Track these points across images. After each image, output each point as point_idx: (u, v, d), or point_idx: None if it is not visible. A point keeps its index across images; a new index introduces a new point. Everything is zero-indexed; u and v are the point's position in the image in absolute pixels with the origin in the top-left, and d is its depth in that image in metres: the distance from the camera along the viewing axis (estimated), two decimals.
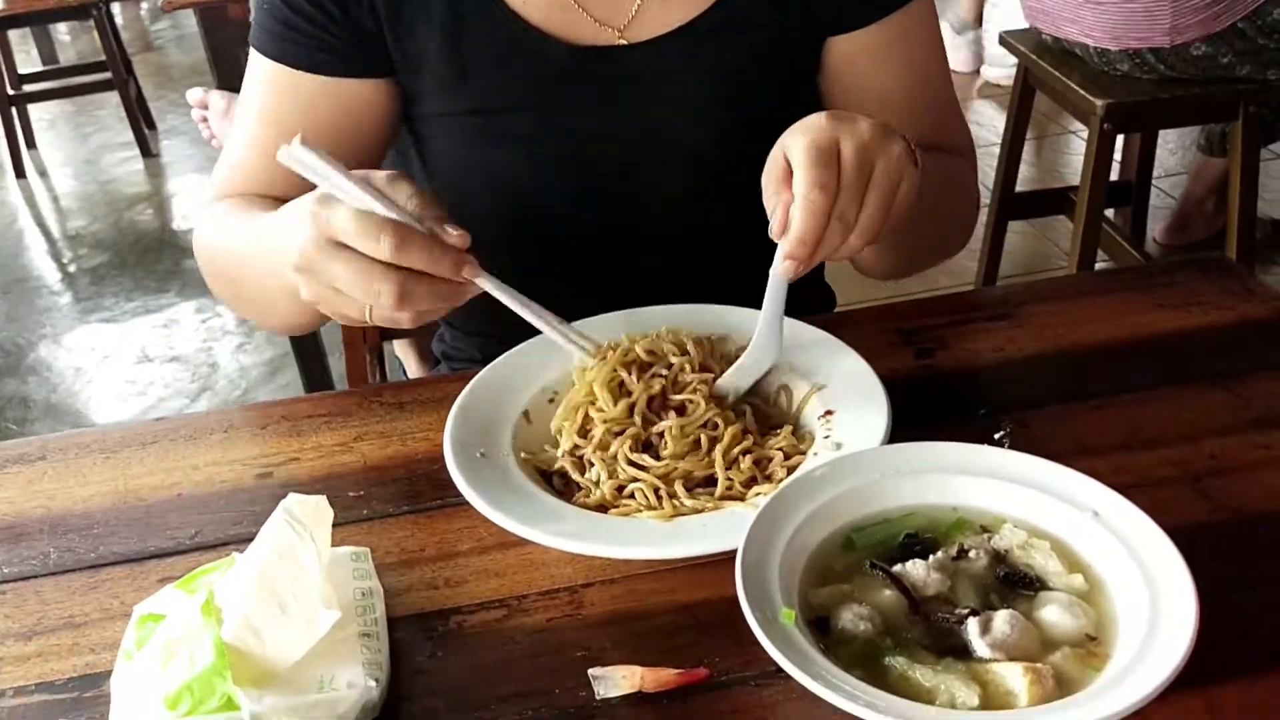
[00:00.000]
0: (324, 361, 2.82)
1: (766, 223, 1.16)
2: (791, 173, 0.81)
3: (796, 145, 0.80)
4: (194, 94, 2.41)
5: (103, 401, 3.07)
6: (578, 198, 1.09)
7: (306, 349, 2.78)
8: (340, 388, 2.82)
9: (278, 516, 0.71)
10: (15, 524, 0.88)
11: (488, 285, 0.84)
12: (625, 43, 1.03)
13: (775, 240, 0.82)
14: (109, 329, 3.42)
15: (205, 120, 2.42)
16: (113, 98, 4.74)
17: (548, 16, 1.02)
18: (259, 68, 1.05)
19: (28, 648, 0.77)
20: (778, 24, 1.04)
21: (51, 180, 4.66)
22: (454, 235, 0.80)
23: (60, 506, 0.90)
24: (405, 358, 2.80)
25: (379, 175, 0.81)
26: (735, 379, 0.91)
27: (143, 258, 3.83)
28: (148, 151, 4.66)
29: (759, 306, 1.02)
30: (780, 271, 0.83)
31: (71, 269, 3.86)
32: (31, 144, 4.88)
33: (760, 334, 0.90)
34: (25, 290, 3.72)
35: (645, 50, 1.03)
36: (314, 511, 0.73)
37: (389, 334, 2.47)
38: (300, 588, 0.69)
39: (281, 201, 0.95)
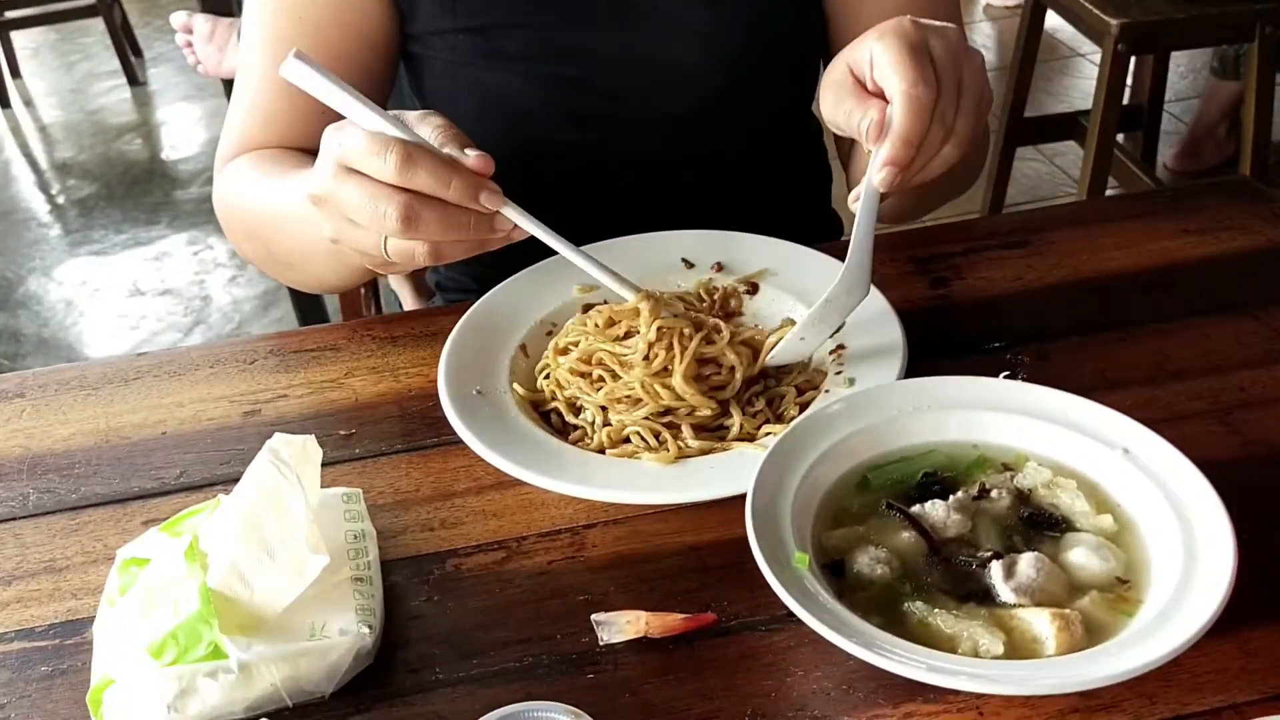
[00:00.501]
0: (318, 295, 2.77)
1: (769, 145, 1.12)
2: (865, 89, 0.74)
3: (885, 47, 0.72)
4: (177, 18, 2.33)
5: (95, 336, 3.03)
6: (576, 120, 1.04)
7: None
8: (335, 321, 2.79)
9: (263, 458, 0.68)
10: None
11: (514, 215, 0.77)
12: None
13: (869, 147, 0.74)
14: (99, 262, 3.37)
15: (190, 45, 2.35)
16: (98, 24, 4.63)
17: None
18: (259, 3, 0.99)
19: (6, 593, 0.74)
20: None
21: (37, 110, 4.57)
22: (472, 157, 0.74)
23: (39, 445, 0.86)
24: (401, 291, 2.75)
25: (409, 114, 0.77)
26: (823, 318, 0.81)
27: (131, 189, 3.76)
28: (135, 80, 4.56)
29: (762, 231, 0.98)
30: (877, 182, 0.74)
31: (60, 201, 3.79)
32: (16, 73, 4.78)
33: (851, 265, 0.79)
34: (13, 223, 3.66)
35: None
36: (302, 451, 0.69)
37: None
38: (288, 532, 0.66)
39: (308, 152, 0.92)
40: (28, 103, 4.62)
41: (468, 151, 0.74)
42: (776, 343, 0.83)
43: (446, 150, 0.74)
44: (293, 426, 0.85)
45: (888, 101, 0.72)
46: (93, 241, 3.47)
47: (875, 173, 0.73)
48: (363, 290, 2.30)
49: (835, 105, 0.76)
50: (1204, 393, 0.80)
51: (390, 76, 1.04)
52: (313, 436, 0.71)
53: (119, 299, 3.17)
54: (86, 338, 3.03)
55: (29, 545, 0.77)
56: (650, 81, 1.02)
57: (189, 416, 0.88)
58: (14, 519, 0.80)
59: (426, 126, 0.75)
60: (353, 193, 0.73)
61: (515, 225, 0.77)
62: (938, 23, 0.74)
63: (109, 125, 4.28)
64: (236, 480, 0.77)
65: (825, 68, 0.82)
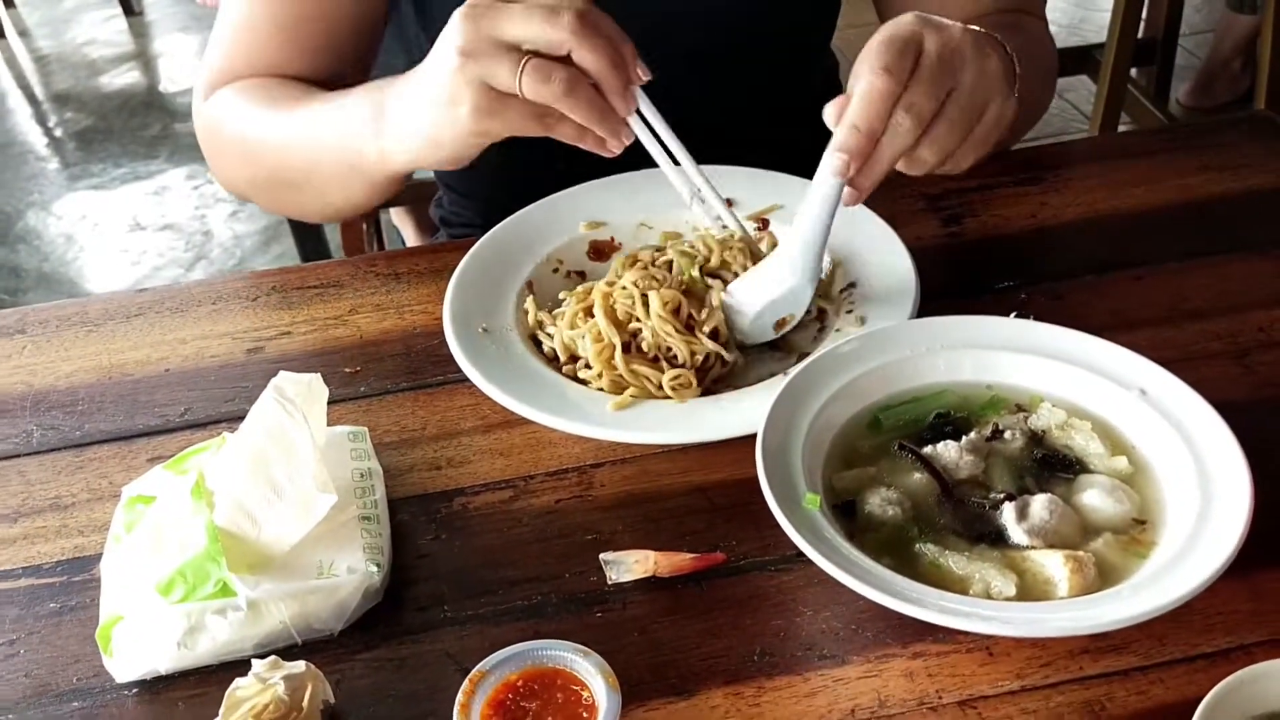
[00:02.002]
0: (319, 230, 2.75)
1: (786, 81, 1.10)
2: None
3: (873, 38, 0.69)
4: None
5: (96, 270, 3.01)
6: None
7: None
8: (338, 257, 2.77)
9: (267, 396, 0.67)
10: None
11: (638, 125, 0.79)
12: None
13: (831, 128, 0.71)
14: (99, 196, 3.33)
15: None
16: None
17: None
18: None
19: (13, 530, 0.73)
20: None
21: (32, 40, 4.50)
22: (629, 48, 0.75)
23: (42, 382, 0.85)
24: (403, 226, 2.73)
25: None
26: (753, 294, 0.79)
27: (129, 121, 3.71)
28: (130, 9, 4.48)
29: (774, 167, 0.96)
30: (828, 169, 0.71)
31: (57, 134, 3.74)
32: (9, 3, 4.70)
33: (788, 256, 0.77)
34: (10, 156, 3.62)
35: None
36: (307, 390, 0.68)
37: (386, 202, 2.40)
38: (294, 470, 0.65)
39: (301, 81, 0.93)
40: (22, 33, 4.55)
41: (639, 61, 0.76)
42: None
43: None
44: (296, 364, 0.84)
45: None
46: (91, 175, 3.44)
47: (826, 160, 0.71)
48: (364, 226, 2.28)
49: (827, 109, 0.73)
50: (1221, 333, 0.79)
51: (382, 15, 1.01)
52: (318, 375, 0.71)
53: (119, 234, 3.14)
54: (87, 273, 3.01)
55: (34, 483, 0.77)
56: (669, 19, 0.99)
57: (192, 353, 0.87)
58: (18, 455, 0.79)
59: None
60: (519, 8, 0.73)
61: (626, 122, 0.78)
62: (947, 21, 0.71)
63: (105, 56, 4.22)
64: (241, 418, 0.77)
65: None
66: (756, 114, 1.07)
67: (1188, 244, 0.89)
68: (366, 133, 0.85)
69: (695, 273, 0.83)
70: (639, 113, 0.80)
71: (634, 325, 0.78)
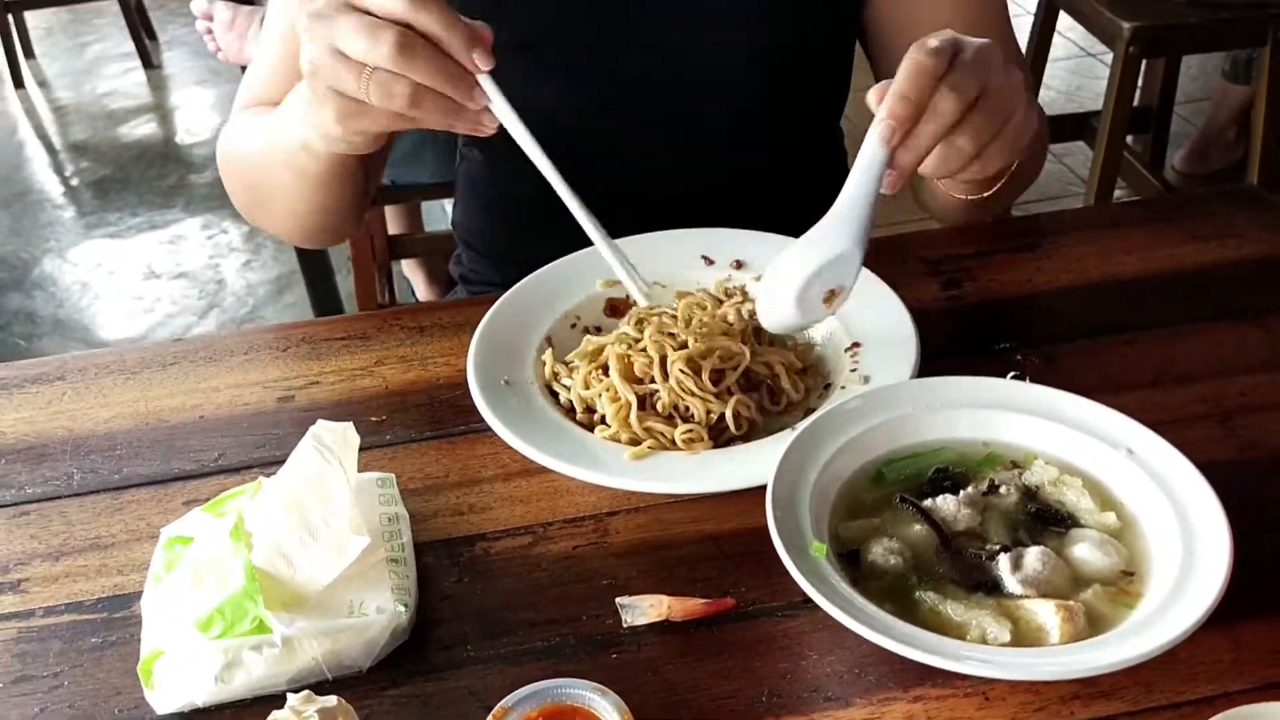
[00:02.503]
0: (331, 280, 2.81)
1: (795, 152, 1.15)
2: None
3: (915, 44, 0.73)
4: (198, 5, 2.36)
5: (110, 317, 3.06)
6: (611, 130, 1.07)
7: (314, 267, 2.76)
8: (349, 307, 2.82)
9: (307, 443, 0.71)
10: (37, 444, 0.88)
11: (491, 90, 0.78)
12: None
13: (874, 109, 0.73)
14: (114, 244, 3.40)
15: (210, 32, 2.38)
16: (111, 6, 4.65)
17: None
18: None
19: (55, 568, 0.77)
20: None
21: (51, 90, 4.59)
22: (478, 23, 0.76)
23: (82, 427, 0.89)
24: (414, 278, 2.79)
25: None
26: (797, 264, 0.77)
27: (146, 172, 3.79)
28: (149, 63, 4.58)
29: (781, 232, 1.00)
30: (876, 138, 0.72)
31: (75, 183, 3.82)
32: (29, 53, 4.80)
33: (834, 213, 0.76)
34: (28, 204, 3.69)
35: None
36: (342, 438, 0.72)
37: (398, 253, 2.47)
38: (329, 514, 0.69)
39: None
40: (41, 83, 4.65)
41: (478, 22, 0.76)
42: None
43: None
44: (325, 412, 0.88)
45: None
46: (108, 224, 3.50)
47: (874, 128, 0.73)
48: (376, 276, 2.33)
49: (869, 97, 0.75)
50: (1206, 396, 0.83)
51: None
52: (351, 424, 0.75)
53: (134, 281, 3.20)
54: (101, 320, 3.06)
55: (75, 523, 0.81)
56: (689, 93, 1.04)
57: (225, 401, 0.91)
58: (60, 497, 0.83)
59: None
60: (353, 20, 0.74)
61: (487, 108, 0.79)
62: (978, 39, 0.76)
63: (123, 108, 4.31)
64: (272, 463, 0.81)
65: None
66: (763, 182, 1.12)
67: (1176, 311, 0.93)
68: (293, 121, 0.86)
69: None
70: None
71: (650, 386, 0.82)
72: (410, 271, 2.76)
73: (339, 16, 0.74)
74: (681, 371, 0.82)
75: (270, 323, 2.97)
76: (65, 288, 3.21)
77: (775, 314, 0.80)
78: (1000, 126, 0.75)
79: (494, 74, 1.03)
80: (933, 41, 0.73)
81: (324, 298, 2.84)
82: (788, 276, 0.77)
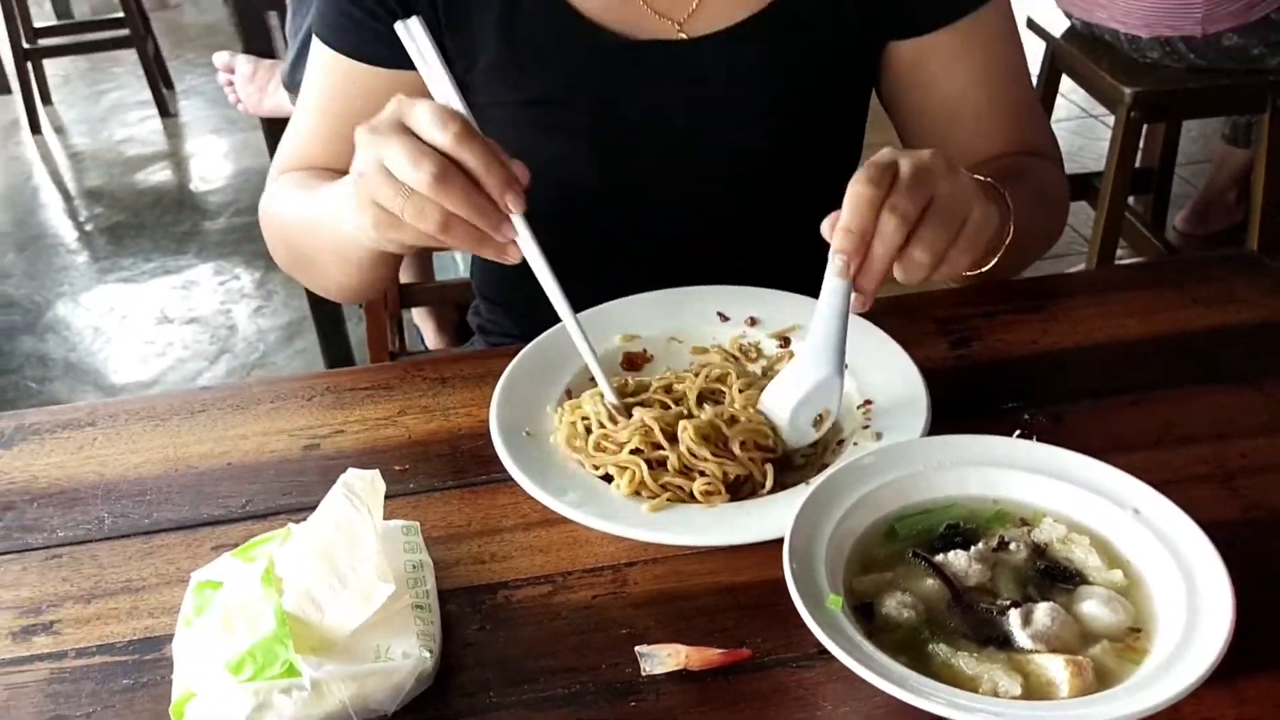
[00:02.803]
0: (342, 327, 2.84)
1: (805, 211, 1.18)
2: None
3: (859, 170, 0.79)
4: (220, 58, 2.41)
5: (122, 361, 3.09)
6: (626, 186, 1.10)
7: (325, 314, 2.80)
8: (359, 354, 2.85)
9: (337, 490, 0.73)
10: (69, 488, 0.90)
11: (521, 227, 0.82)
12: (684, 36, 1.04)
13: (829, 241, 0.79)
14: (127, 289, 3.44)
15: (231, 84, 2.43)
16: (129, 55, 4.73)
17: (606, 9, 1.03)
18: (320, 57, 1.07)
19: (87, 610, 0.79)
20: (834, 27, 1.05)
21: (68, 137, 4.66)
22: (517, 165, 0.80)
23: (113, 472, 0.92)
24: (424, 326, 2.82)
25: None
26: (782, 395, 0.86)
27: (161, 218, 3.84)
28: (166, 111, 4.66)
29: (791, 288, 1.03)
30: (832, 270, 0.79)
31: (89, 228, 3.87)
32: (47, 100, 4.88)
33: (811, 348, 0.84)
34: (42, 248, 3.74)
35: (702, 45, 1.03)
36: (370, 485, 0.75)
37: (409, 302, 2.50)
38: (358, 560, 0.71)
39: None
40: (58, 130, 4.72)
41: (515, 160, 0.81)
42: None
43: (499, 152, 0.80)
44: (350, 461, 0.90)
45: None
46: (121, 269, 3.55)
47: (830, 264, 0.80)
48: (388, 323, 2.36)
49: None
50: (1208, 457, 0.86)
51: None
52: (378, 472, 0.77)
53: (146, 326, 3.23)
54: (113, 364, 3.09)
55: (106, 566, 0.83)
56: (705, 151, 1.08)
57: (252, 448, 0.94)
58: (91, 541, 0.85)
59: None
60: (402, 142, 0.78)
61: (514, 240, 0.82)
62: (919, 151, 0.80)
63: (138, 155, 4.37)
64: (298, 510, 0.83)
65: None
66: (774, 239, 1.15)
67: (1178, 373, 0.96)
68: (345, 212, 0.89)
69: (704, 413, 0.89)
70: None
71: (660, 454, 0.85)
72: (420, 319, 2.80)
73: (391, 136, 0.79)
74: (691, 447, 0.84)
75: (281, 368, 3.00)
76: (78, 331, 3.25)
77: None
78: (954, 232, 0.79)
79: (514, 126, 1.08)
80: (870, 170, 0.78)
81: (334, 345, 2.87)
82: (779, 407, 0.86)
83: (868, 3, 1.04)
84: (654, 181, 1.10)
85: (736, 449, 0.85)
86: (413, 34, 0.83)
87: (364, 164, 0.81)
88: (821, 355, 0.83)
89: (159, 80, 4.66)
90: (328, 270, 1.06)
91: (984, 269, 0.93)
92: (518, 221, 0.82)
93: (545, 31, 1.03)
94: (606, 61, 1.04)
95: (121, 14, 4.52)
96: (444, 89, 0.83)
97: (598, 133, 1.07)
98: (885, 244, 0.77)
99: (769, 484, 0.84)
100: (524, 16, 1.02)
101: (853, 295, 0.81)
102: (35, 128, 4.63)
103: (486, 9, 1.02)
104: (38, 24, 4.97)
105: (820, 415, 0.86)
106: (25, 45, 4.58)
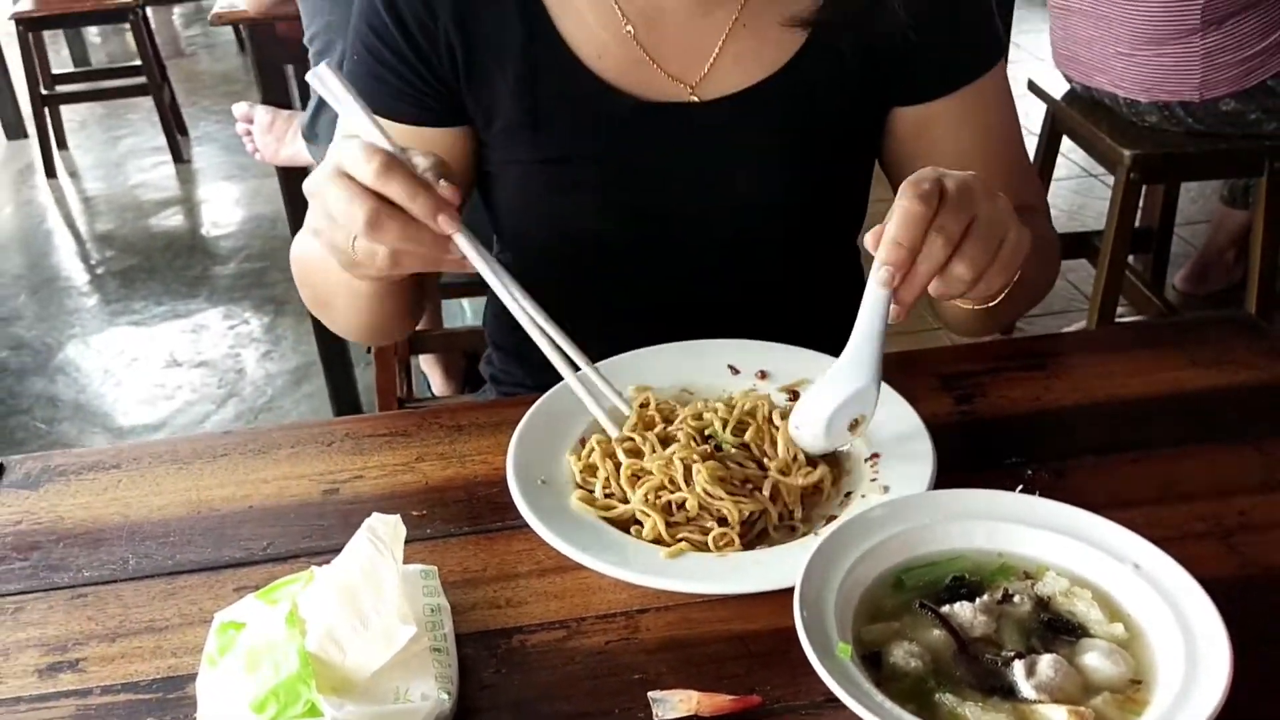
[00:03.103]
0: (350, 372, 2.87)
1: (814, 268, 1.22)
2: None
3: (904, 185, 0.82)
4: (239, 108, 2.47)
5: (130, 403, 3.12)
6: (638, 243, 1.13)
7: (333, 359, 2.83)
8: (366, 399, 2.88)
9: (362, 534, 0.75)
10: (94, 529, 0.93)
11: (464, 244, 0.86)
12: (696, 99, 1.07)
13: (872, 252, 0.82)
14: (137, 332, 3.47)
15: (249, 134, 2.48)
16: (145, 102, 4.82)
17: (622, 71, 1.06)
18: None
19: (112, 649, 0.81)
20: (842, 93, 1.08)
21: (82, 181, 4.73)
22: (444, 187, 0.83)
23: (137, 514, 0.94)
24: (431, 373, 2.85)
25: (413, 150, 0.86)
26: (817, 403, 0.88)
27: (172, 263, 3.89)
28: (179, 157, 4.73)
29: (800, 343, 1.06)
30: (875, 281, 0.82)
31: (100, 271, 3.91)
32: (63, 144, 4.96)
33: (847, 357, 0.87)
34: (54, 290, 3.78)
35: (714, 107, 1.07)
36: (393, 530, 0.77)
37: (417, 348, 2.53)
38: (380, 603, 0.73)
39: None
40: (73, 174, 4.79)
41: (441, 181, 0.84)
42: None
43: (427, 175, 0.84)
44: (369, 505, 0.93)
45: None
46: (132, 312, 3.58)
47: (873, 273, 0.82)
48: (396, 369, 2.39)
49: (867, 239, 0.84)
50: (1208, 515, 0.88)
51: (467, 192, 1.14)
52: (400, 517, 0.79)
53: (155, 369, 3.27)
54: (121, 406, 3.12)
55: (130, 606, 0.85)
56: (715, 209, 1.11)
57: (273, 492, 0.96)
58: (116, 581, 0.87)
59: (420, 156, 0.85)
60: (336, 191, 0.83)
61: (464, 255, 0.86)
62: (962, 173, 0.84)
63: (152, 200, 4.43)
64: (318, 553, 0.86)
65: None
66: (784, 296, 1.18)
67: (1178, 432, 0.98)
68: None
69: (728, 436, 0.93)
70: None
71: (678, 495, 0.87)
72: (428, 366, 2.83)
73: (329, 184, 0.83)
74: (706, 489, 0.87)
75: (288, 412, 3.02)
76: (87, 373, 3.28)
77: (807, 440, 0.91)
78: (993, 252, 0.83)
79: (529, 182, 1.11)
80: (921, 185, 0.81)
81: (342, 390, 2.90)
82: (816, 411, 0.89)
83: (873, 70, 1.08)
84: (665, 237, 1.13)
85: (766, 489, 0.88)
86: (324, 81, 0.87)
87: (313, 215, 0.86)
88: (862, 362, 0.86)
89: (174, 127, 4.74)
90: (343, 308, 1.09)
91: (997, 300, 0.96)
92: (461, 240, 0.85)
93: (561, 92, 1.06)
94: (620, 122, 1.07)
95: (138, 62, 4.60)
96: (366, 127, 0.86)
97: (611, 190, 1.10)
98: (931, 260, 0.80)
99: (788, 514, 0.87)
100: (542, 77, 1.06)
101: (891, 304, 0.84)
102: (50, 172, 4.70)
103: (505, 69, 1.06)
104: (56, 70, 5.07)
105: (857, 420, 0.89)
106: (43, 91, 4.66)
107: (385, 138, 0.85)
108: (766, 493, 0.88)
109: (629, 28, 1.06)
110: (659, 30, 1.07)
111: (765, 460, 0.91)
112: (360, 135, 0.85)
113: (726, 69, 1.07)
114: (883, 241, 0.81)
